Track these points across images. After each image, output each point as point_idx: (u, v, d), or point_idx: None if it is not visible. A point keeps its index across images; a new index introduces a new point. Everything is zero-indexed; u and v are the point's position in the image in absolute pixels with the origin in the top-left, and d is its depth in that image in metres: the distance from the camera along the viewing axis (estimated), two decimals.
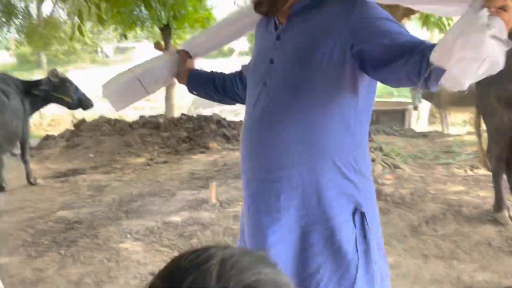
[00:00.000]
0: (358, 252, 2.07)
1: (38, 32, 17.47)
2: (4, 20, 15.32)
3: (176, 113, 13.48)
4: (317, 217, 2.07)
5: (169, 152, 9.69)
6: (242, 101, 2.50)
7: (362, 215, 2.09)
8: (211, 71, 2.65)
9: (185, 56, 2.54)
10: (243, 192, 2.28)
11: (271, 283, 0.99)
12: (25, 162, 8.29)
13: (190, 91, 2.68)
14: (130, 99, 2.58)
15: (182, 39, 14.80)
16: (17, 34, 17.75)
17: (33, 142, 11.28)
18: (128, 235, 5.17)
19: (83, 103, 8.08)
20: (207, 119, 10.85)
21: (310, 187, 2.04)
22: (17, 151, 8.32)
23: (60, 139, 10.91)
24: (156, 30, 14.42)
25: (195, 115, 11.87)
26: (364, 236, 2.10)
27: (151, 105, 21.35)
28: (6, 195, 7.60)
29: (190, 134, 10.15)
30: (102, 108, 10.74)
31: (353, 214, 2.08)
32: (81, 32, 10.83)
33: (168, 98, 14.76)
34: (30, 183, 8.10)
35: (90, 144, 10.09)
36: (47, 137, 11.89)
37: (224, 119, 10.95)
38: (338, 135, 2.02)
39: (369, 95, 2.12)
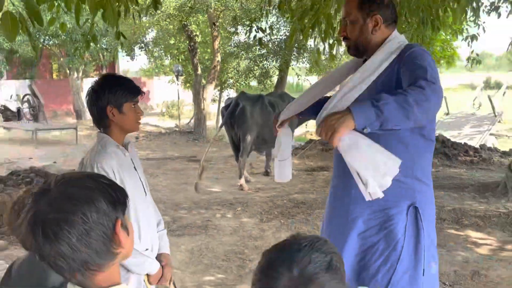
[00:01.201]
0: (405, 237, 2.15)
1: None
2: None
3: None
4: (377, 207, 2.18)
5: None
6: None
7: (416, 209, 2.16)
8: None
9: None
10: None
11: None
12: (270, 156, 9.31)
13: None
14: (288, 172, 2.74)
15: None
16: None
17: (297, 144, 12.87)
18: None
19: None
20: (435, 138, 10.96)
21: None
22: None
23: (319, 144, 11.75)
24: None
25: None
26: (416, 225, 2.17)
27: None
28: (269, 178, 9.20)
29: None
30: None
31: (408, 208, 2.16)
32: None
33: None
34: (267, 173, 9.38)
35: None
36: (310, 141, 12.83)
37: (449, 140, 10.87)
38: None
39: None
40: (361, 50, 2.28)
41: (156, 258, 2.40)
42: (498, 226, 5.68)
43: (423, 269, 2.18)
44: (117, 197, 1.22)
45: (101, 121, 2.24)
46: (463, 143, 10.97)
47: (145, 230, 2.32)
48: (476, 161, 9.79)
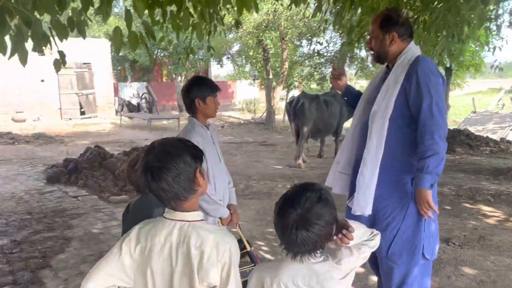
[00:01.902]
0: (411, 199, 2.15)
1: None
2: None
3: None
4: (391, 177, 2.20)
5: None
6: None
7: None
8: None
9: None
10: None
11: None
12: (323, 142, 9.42)
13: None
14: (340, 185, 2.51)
15: (460, 77, 13.98)
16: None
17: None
18: None
19: None
20: (460, 131, 10.40)
21: (395, 161, 2.19)
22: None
23: None
24: (442, 70, 13.88)
25: (451, 128, 11.42)
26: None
27: None
28: (322, 159, 9.21)
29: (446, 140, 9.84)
30: None
31: (411, 180, 2.15)
32: None
33: None
34: (320, 156, 9.37)
35: None
36: None
37: (472, 133, 10.31)
38: (404, 138, 2.15)
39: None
40: (381, 58, 2.31)
41: (227, 207, 2.49)
42: (506, 202, 5.45)
43: (424, 227, 2.18)
44: (196, 154, 1.37)
45: (191, 109, 2.41)
46: (485, 136, 10.37)
47: (219, 185, 2.45)
48: (495, 151, 9.27)
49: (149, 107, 18.82)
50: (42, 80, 15.87)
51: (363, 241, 1.51)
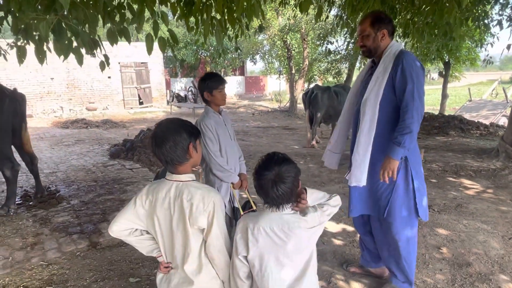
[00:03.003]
0: (399, 174, 2.17)
1: None
2: None
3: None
4: (384, 153, 2.15)
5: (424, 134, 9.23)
6: None
7: (406, 158, 2.16)
8: None
9: None
10: None
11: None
12: (334, 127, 8.85)
13: None
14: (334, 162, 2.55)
15: (458, 71, 13.38)
16: None
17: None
18: None
19: None
20: (454, 117, 9.99)
21: (385, 140, 2.16)
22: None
23: None
24: (440, 64, 13.34)
25: (446, 114, 11.01)
26: (406, 168, 2.18)
27: None
28: None
29: (441, 125, 9.48)
30: None
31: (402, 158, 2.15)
32: None
33: (443, 103, 13.69)
34: None
35: None
36: None
37: (465, 119, 9.86)
38: (393, 122, 2.14)
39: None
40: (373, 53, 2.25)
41: (238, 176, 2.55)
42: (485, 177, 5.28)
43: (413, 189, 2.17)
44: (192, 132, 1.46)
45: (204, 99, 2.50)
46: (476, 121, 9.93)
47: (230, 158, 2.53)
48: (484, 134, 8.88)
49: (194, 98, 19.07)
50: (109, 77, 16.42)
51: (324, 201, 1.56)
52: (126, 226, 1.49)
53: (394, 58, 2.10)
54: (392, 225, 2.25)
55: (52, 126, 12.34)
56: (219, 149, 2.47)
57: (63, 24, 2.25)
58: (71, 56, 2.39)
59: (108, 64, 2.69)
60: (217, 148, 2.45)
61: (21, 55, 2.26)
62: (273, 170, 1.42)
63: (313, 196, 1.54)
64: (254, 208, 2.35)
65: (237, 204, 2.48)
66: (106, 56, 2.67)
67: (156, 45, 2.75)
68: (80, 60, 2.51)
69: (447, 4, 3.20)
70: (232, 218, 2.51)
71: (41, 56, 2.24)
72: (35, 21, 2.15)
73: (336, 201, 1.60)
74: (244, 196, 2.67)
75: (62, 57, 2.39)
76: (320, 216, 1.51)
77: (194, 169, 1.55)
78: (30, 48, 2.59)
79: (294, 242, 1.44)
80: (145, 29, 15.42)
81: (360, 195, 2.33)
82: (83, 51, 2.57)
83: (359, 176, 2.17)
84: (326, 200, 1.58)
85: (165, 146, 1.40)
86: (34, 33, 2.41)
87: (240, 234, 1.47)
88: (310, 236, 1.49)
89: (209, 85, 2.44)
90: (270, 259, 1.43)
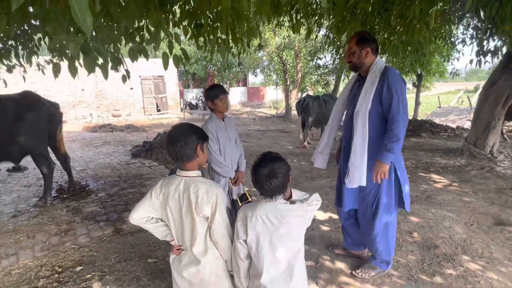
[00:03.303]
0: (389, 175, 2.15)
1: None
2: None
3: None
4: (373, 156, 2.13)
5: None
6: None
7: (393, 163, 2.15)
8: None
9: None
10: None
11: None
12: (322, 130, 8.87)
13: None
14: (323, 162, 2.47)
15: (429, 82, 13.30)
16: None
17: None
18: None
19: None
20: (425, 121, 9.88)
21: (374, 145, 2.12)
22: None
23: None
24: (414, 76, 13.16)
25: (419, 119, 10.84)
26: (395, 170, 2.17)
27: None
28: None
29: (414, 128, 9.25)
30: None
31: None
32: None
33: (416, 110, 13.58)
34: None
35: None
36: None
37: (435, 123, 9.73)
38: (382, 130, 2.12)
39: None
40: (358, 68, 2.21)
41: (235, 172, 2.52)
42: (451, 172, 5.27)
43: (396, 187, 2.19)
44: (201, 135, 1.47)
45: (209, 107, 2.49)
46: (444, 124, 9.91)
47: (228, 157, 2.50)
48: (451, 136, 8.85)
49: (204, 106, 18.96)
50: (131, 88, 16.44)
51: (306, 197, 1.56)
52: (143, 215, 1.50)
53: (380, 73, 2.08)
54: (376, 214, 2.24)
55: (83, 130, 12.34)
56: (219, 149, 2.47)
57: (90, 44, 2.27)
58: (98, 71, 2.42)
59: (129, 77, 2.71)
60: (217, 147, 2.45)
61: (56, 70, 2.28)
62: (267, 167, 1.43)
63: (297, 194, 1.56)
64: (250, 199, 2.35)
65: (235, 197, 2.49)
66: (127, 71, 2.69)
67: (171, 61, 2.76)
68: (105, 75, 2.53)
69: (418, 26, 3.20)
70: (231, 209, 2.51)
71: (73, 71, 2.26)
72: (65, 42, 2.18)
73: (316, 197, 1.59)
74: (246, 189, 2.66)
75: (87, 71, 2.42)
76: (306, 207, 1.51)
77: (203, 166, 1.56)
78: (64, 64, 2.61)
79: (286, 227, 1.45)
80: (162, 47, 15.43)
81: (352, 193, 2.32)
82: (108, 66, 2.58)
83: (359, 178, 2.12)
84: (308, 197, 1.59)
85: (177, 145, 1.41)
86: (67, 51, 2.43)
87: (240, 221, 1.48)
88: (300, 226, 1.50)
89: (211, 95, 2.44)
90: (265, 241, 1.45)
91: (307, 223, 1.52)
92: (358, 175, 2.12)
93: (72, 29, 2.17)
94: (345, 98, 2.37)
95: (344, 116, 2.35)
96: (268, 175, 1.42)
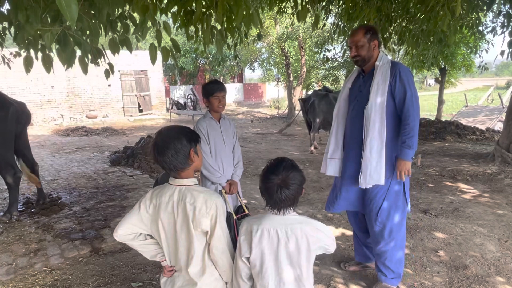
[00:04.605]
0: (395, 171, 2.31)
1: None
2: None
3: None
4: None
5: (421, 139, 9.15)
6: None
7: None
8: None
9: None
10: None
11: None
12: None
13: None
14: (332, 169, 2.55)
15: (453, 77, 13.46)
16: None
17: None
18: None
19: None
20: (450, 122, 9.98)
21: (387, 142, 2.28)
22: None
23: None
24: (437, 70, 13.31)
25: (443, 120, 11.02)
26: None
27: None
28: None
29: (437, 130, 9.47)
30: None
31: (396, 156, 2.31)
32: None
33: (439, 109, 13.72)
34: None
35: None
36: None
37: (461, 124, 9.89)
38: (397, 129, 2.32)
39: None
40: (366, 62, 2.35)
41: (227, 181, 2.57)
42: (481, 181, 5.34)
43: (404, 190, 2.36)
44: (192, 137, 1.48)
45: (205, 105, 2.57)
46: (472, 126, 10.00)
47: (219, 161, 2.57)
48: (481, 139, 8.94)
49: (193, 105, 19.06)
50: (109, 85, 16.48)
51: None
52: (131, 231, 1.52)
53: (389, 68, 2.23)
54: (385, 225, 2.35)
55: (53, 134, 12.36)
56: (209, 151, 2.54)
57: (68, 35, 2.30)
58: (73, 65, 2.44)
59: (113, 72, 2.74)
60: (207, 148, 2.53)
61: (28, 64, 2.30)
62: (280, 175, 1.45)
63: None
64: (246, 212, 2.36)
65: (229, 209, 2.51)
66: (110, 65, 2.72)
67: (159, 54, 2.79)
68: (85, 69, 2.56)
69: (441, 12, 3.26)
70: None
71: (47, 65, 2.28)
72: (40, 32, 2.20)
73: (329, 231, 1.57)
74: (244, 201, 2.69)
75: (65, 65, 2.44)
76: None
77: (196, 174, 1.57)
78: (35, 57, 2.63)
79: (295, 243, 1.46)
80: (147, 38, 15.49)
81: (347, 194, 2.45)
82: (87, 60, 2.61)
83: (377, 177, 2.24)
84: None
85: (167, 154, 1.42)
86: (41, 42, 2.45)
87: (244, 236, 1.49)
88: (309, 247, 1.48)
89: (206, 91, 2.54)
90: (270, 260, 1.46)
91: (318, 250, 1.51)
92: (376, 175, 2.24)
93: (48, 17, 2.19)
94: (347, 95, 2.49)
95: (346, 113, 2.48)
96: (280, 185, 1.44)
